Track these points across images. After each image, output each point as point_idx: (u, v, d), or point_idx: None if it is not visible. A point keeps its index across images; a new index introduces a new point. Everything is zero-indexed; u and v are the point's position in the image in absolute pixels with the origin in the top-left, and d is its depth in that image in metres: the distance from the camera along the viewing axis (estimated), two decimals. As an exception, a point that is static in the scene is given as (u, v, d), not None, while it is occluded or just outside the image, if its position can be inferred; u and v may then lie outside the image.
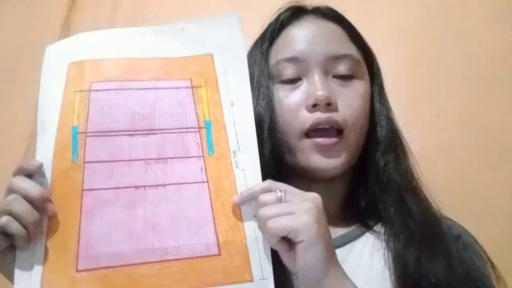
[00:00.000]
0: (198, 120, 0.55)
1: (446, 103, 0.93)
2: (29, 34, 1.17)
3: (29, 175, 0.50)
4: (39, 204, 0.48)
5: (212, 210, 0.51)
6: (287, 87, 0.61)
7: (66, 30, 1.16)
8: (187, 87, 0.57)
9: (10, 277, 0.48)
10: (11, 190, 0.48)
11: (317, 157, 0.59)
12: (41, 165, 0.51)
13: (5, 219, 0.46)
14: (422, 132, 0.89)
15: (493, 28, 0.95)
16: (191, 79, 0.58)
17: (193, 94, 0.57)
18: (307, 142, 0.59)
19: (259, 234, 0.50)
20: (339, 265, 0.48)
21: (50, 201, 0.49)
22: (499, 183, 0.86)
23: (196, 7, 1.09)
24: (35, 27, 1.17)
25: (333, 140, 0.58)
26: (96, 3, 1.17)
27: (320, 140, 0.58)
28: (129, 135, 0.53)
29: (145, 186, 0.51)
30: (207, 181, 0.52)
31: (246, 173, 0.53)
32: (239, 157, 0.54)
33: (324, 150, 0.59)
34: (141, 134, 0.54)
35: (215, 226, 0.50)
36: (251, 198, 0.51)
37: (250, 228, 0.50)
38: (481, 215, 0.82)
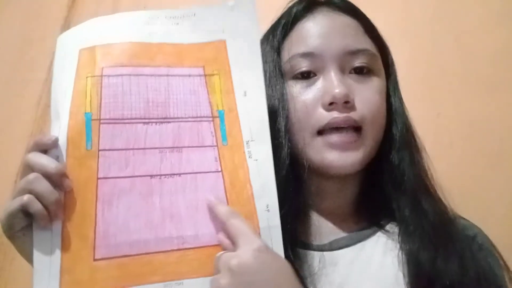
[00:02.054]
0: (211, 110, 0.55)
1: (446, 103, 0.93)
2: (29, 34, 1.17)
3: (44, 151, 0.49)
4: (57, 180, 0.47)
5: (227, 199, 0.51)
6: (302, 83, 0.59)
7: (66, 30, 1.15)
8: (199, 75, 0.56)
9: (29, 259, 0.48)
10: (28, 167, 0.47)
11: (332, 155, 0.57)
12: (56, 139, 0.50)
13: (26, 197, 0.46)
14: (422, 132, 0.89)
15: (493, 28, 0.95)
16: (203, 67, 0.56)
17: (206, 83, 0.56)
18: (320, 140, 0.57)
19: (272, 223, 0.50)
20: None
21: (67, 176, 0.48)
22: (499, 183, 0.86)
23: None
24: (35, 27, 1.17)
25: (349, 138, 0.57)
26: (96, 3, 1.17)
27: (335, 139, 0.56)
28: (144, 123, 0.53)
29: (160, 175, 0.51)
30: (221, 171, 0.52)
31: (258, 163, 0.52)
32: (252, 147, 0.53)
33: (340, 148, 0.57)
34: (156, 122, 0.53)
35: None
36: None
37: (263, 218, 0.50)
38: (481, 215, 0.81)
